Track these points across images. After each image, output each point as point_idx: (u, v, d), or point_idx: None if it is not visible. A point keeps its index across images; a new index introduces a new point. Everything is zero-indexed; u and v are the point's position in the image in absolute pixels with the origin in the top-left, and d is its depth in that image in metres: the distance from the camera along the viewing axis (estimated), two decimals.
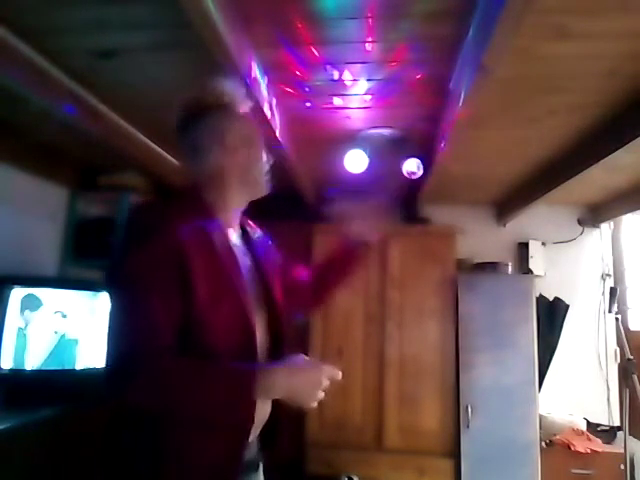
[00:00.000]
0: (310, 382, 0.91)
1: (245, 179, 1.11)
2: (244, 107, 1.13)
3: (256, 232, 1.25)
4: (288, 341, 1.15)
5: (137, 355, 0.88)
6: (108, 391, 0.91)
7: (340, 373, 0.94)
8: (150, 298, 0.90)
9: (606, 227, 3.47)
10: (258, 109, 1.80)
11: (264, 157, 1.16)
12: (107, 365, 0.90)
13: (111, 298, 0.95)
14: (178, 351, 0.92)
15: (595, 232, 3.47)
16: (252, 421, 0.88)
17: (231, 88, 1.11)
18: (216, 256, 1.00)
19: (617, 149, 1.97)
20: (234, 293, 1.00)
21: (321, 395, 0.91)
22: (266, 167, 1.16)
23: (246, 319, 1.00)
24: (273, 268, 1.21)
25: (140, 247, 0.93)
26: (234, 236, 1.12)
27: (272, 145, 2.17)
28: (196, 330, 0.94)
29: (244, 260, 1.10)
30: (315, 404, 0.91)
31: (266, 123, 1.93)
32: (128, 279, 0.93)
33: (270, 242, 1.29)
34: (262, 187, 1.16)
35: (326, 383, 0.91)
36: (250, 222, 1.25)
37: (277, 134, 2.08)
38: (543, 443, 2.81)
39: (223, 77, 1.11)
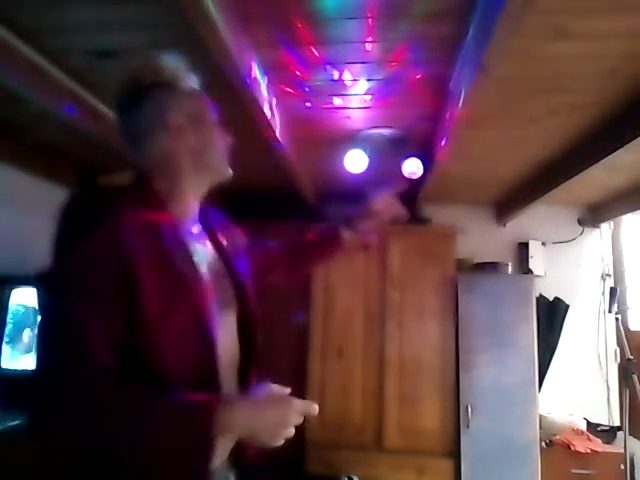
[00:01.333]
0: (275, 421, 0.77)
1: (199, 164, 0.96)
2: (188, 83, 0.98)
3: (218, 220, 1.10)
4: (259, 339, 1.03)
5: (65, 381, 0.72)
6: (31, 424, 0.75)
7: (317, 407, 0.81)
8: (86, 308, 0.75)
9: (606, 227, 3.47)
10: (258, 109, 1.80)
11: (219, 136, 1.01)
12: (32, 391, 0.74)
13: (42, 306, 0.83)
14: (119, 375, 0.76)
15: (595, 232, 3.47)
16: (209, 462, 0.72)
17: (171, 63, 0.96)
18: (169, 257, 0.85)
19: (617, 149, 1.97)
20: (190, 300, 0.85)
21: (290, 433, 0.78)
22: (224, 147, 1.02)
23: (204, 328, 0.85)
24: (241, 256, 1.08)
25: (76, 246, 0.78)
26: (193, 230, 0.98)
27: (272, 145, 2.17)
28: (142, 347, 0.79)
29: (206, 257, 0.97)
30: (280, 443, 0.78)
31: (266, 123, 1.93)
32: (60, 283, 0.78)
33: (232, 226, 1.16)
34: (222, 170, 1.01)
35: (296, 420, 0.79)
36: (210, 209, 1.09)
37: (277, 134, 2.07)
38: (543, 443, 2.81)
39: (164, 53, 0.97)
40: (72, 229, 0.82)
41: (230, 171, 1.03)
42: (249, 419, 0.76)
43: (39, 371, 0.75)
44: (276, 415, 0.77)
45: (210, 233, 1.03)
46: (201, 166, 0.97)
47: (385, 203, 1.27)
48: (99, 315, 0.75)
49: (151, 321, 0.79)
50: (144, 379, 0.78)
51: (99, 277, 0.77)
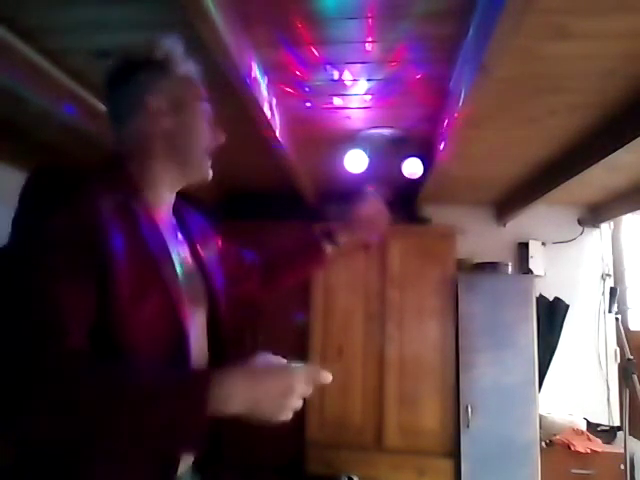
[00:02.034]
0: (279, 390, 0.68)
1: (172, 151, 0.90)
2: (182, 67, 0.93)
3: (194, 218, 1.06)
4: (230, 343, 0.98)
5: (31, 362, 0.63)
6: None
7: (330, 376, 0.73)
8: (55, 284, 0.68)
9: (606, 227, 3.47)
10: (258, 109, 1.80)
11: (205, 131, 0.95)
12: None
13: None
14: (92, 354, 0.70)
15: (595, 232, 3.47)
16: (199, 446, 0.66)
17: (167, 44, 0.91)
18: (142, 239, 0.81)
19: (617, 149, 1.97)
20: (162, 285, 0.81)
21: (298, 404, 0.69)
22: (209, 144, 0.96)
23: (176, 317, 0.81)
24: (214, 259, 1.04)
25: (44, 219, 0.72)
26: (165, 220, 0.94)
27: (272, 145, 2.17)
28: (111, 331, 0.73)
29: (178, 251, 0.93)
30: (288, 417, 0.69)
31: (266, 123, 1.93)
32: (25, 260, 0.71)
33: (209, 229, 1.11)
34: (200, 167, 0.95)
35: (304, 390, 0.70)
36: (187, 206, 1.05)
37: (277, 134, 2.07)
38: (543, 443, 2.81)
39: (163, 34, 0.92)
40: (38, 203, 0.76)
41: (210, 173, 0.97)
42: (250, 391, 0.67)
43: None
44: (280, 384, 0.68)
45: (184, 229, 0.99)
46: (174, 154, 0.91)
47: (370, 210, 1.21)
48: (72, 291, 0.69)
49: (121, 302, 0.74)
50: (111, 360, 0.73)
51: (70, 253, 0.71)
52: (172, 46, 0.92)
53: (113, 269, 0.73)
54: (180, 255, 0.92)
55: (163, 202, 0.94)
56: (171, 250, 0.88)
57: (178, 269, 0.88)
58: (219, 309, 0.97)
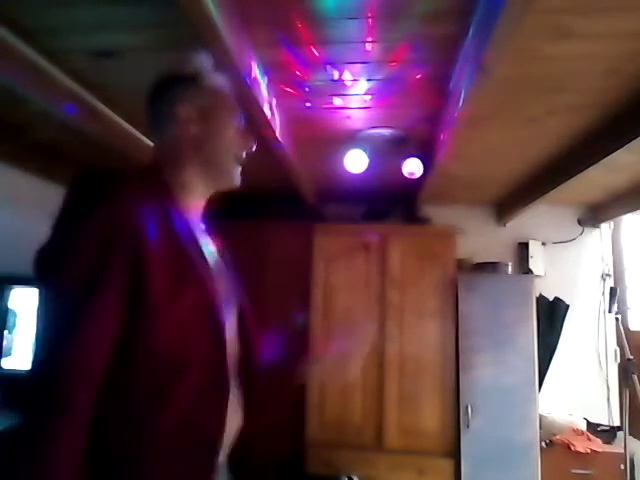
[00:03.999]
0: None
1: (201, 157, 0.96)
2: (210, 79, 1.00)
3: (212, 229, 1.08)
4: (257, 343, 1.03)
5: (45, 377, 0.72)
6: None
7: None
8: (82, 297, 0.73)
9: (606, 227, 3.47)
10: (258, 109, 1.80)
11: (235, 138, 1.00)
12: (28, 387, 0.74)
13: (40, 291, 0.78)
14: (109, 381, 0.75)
15: (595, 232, 3.48)
16: None
17: (199, 59, 1.00)
18: (177, 239, 0.85)
19: (617, 149, 1.97)
20: (199, 281, 0.84)
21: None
22: (238, 152, 1.01)
23: (213, 312, 0.84)
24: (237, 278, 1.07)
25: (81, 220, 0.77)
26: (196, 224, 0.98)
27: (272, 145, 2.17)
28: (143, 334, 0.77)
29: (210, 254, 0.97)
30: None
31: (266, 123, 1.93)
32: (60, 263, 0.75)
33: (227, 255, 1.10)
34: (227, 173, 1.00)
35: None
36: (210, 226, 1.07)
37: (277, 134, 2.07)
38: (543, 443, 2.81)
39: (198, 50, 1.01)
40: (77, 205, 0.80)
41: (238, 180, 1.02)
42: None
43: (34, 355, 0.75)
44: None
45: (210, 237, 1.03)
46: (202, 159, 0.96)
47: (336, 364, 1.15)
48: (96, 309, 0.73)
49: (156, 304, 0.77)
50: (145, 364, 0.78)
51: (101, 256, 0.74)
52: (202, 61, 1.00)
53: (149, 267, 0.76)
54: (212, 256, 0.96)
55: (194, 207, 0.99)
56: (204, 250, 0.92)
57: (212, 268, 0.92)
58: (246, 311, 1.02)
